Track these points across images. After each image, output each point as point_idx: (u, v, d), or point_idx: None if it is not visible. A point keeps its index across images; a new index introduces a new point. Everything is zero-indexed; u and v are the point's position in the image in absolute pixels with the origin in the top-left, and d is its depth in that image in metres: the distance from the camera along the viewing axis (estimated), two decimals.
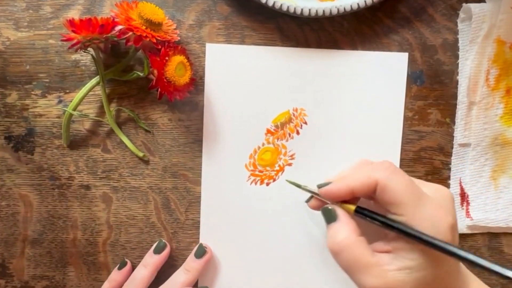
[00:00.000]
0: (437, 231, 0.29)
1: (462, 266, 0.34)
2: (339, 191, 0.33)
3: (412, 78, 0.40)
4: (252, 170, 0.40)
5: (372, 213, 0.32)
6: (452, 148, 0.40)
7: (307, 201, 0.36)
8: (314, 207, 0.36)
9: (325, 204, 0.34)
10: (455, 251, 0.28)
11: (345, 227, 0.32)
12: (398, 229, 0.30)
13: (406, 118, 0.40)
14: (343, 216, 0.33)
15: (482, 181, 0.40)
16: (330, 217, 0.33)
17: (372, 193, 0.32)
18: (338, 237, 0.32)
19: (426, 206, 0.30)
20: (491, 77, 0.39)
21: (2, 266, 0.41)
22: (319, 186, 0.34)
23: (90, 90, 0.38)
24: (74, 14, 0.39)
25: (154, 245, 0.40)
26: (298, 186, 0.38)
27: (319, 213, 0.40)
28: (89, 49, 0.37)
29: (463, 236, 0.41)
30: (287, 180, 0.39)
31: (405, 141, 0.40)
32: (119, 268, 0.40)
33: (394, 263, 0.30)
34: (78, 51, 0.36)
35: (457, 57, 0.40)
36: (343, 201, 0.34)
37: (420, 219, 0.30)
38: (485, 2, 0.39)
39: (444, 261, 0.30)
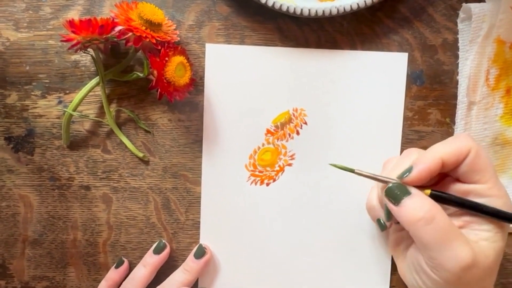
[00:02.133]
0: None
1: None
2: (431, 165, 0.31)
3: (412, 78, 0.40)
4: (252, 171, 0.40)
5: (447, 195, 0.32)
6: None
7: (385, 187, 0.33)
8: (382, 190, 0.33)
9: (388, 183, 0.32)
10: None
11: (425, 198, 0.31)
12: (473, 208, 0.31)
13: (406, 118, 0.40)
14: (415, 190, 0.32)
15: None
16: (402, 193, 0.31)
17: (460, 161, 0.32)
18: (424, 206, 0.30)
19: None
20: (491, 77, 0.39)
21: (2, 267, 0.41)
22: (400, 176, 0.32)
23: (90, 90, 0.38)
24: (74, 14, 0.39)
25: (154, 245, 0.40)
26: (351, 170, 0.33)
27: (320, 213, 0.40)
28: (89, 49, 0.37)
29: None
30: (331, 164, 0.34)
31: (405, 141, 0.40)
32: (116, 267, 0.40)
33: (470, 237, 0.31)
34: (78, 51, 0.36)
35: (457, 57, 0.40)
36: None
37: (500, 186, 0.32)
38: (485, 1, 0.38)
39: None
